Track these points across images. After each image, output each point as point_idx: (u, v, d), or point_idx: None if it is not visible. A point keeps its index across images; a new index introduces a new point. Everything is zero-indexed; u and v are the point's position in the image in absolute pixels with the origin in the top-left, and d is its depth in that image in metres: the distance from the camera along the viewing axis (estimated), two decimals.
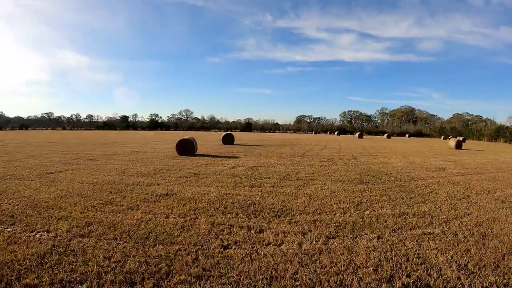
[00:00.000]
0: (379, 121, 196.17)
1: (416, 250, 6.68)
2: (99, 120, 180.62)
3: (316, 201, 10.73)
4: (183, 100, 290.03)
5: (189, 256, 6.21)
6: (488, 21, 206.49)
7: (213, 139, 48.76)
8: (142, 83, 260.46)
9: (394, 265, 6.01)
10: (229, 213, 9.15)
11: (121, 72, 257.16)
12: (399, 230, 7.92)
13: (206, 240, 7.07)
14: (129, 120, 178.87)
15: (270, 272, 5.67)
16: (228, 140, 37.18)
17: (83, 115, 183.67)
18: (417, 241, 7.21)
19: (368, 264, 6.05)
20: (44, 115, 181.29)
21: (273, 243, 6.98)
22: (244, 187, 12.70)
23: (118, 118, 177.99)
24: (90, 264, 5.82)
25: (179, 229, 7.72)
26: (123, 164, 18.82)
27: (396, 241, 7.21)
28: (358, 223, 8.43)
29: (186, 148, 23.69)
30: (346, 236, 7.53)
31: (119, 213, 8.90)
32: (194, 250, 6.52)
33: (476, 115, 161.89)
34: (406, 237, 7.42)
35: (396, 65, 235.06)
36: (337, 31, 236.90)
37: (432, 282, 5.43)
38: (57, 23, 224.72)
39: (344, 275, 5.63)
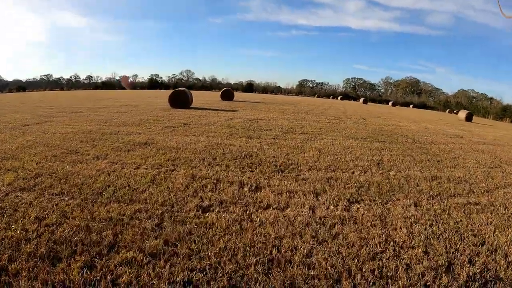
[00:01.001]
0: (382, 90, 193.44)
1: (468, 225, 4.89)
2: (99, 81, 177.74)
3: (327, 156, 8.80)
4: (184, 61, 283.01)
5: (149, 221, 4.31)
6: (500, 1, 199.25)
7: (212, 96, 46.28)
8: (144, 43, 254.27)
9: (448, 246, 4.19)
10: (217, 165, 7.23)
11: (121, 33, 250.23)
12: (438, 197, 6.12)
13: (180, 198, 5.16)
14: (129, 80, 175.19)
15: (268, 252, 3.79)
16: (227, 95, 34.75)
17: (82, 76, 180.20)
18: (464, 212, 5.42)
19: (413, 243, 4.19)
20: (43, 77, 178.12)
21: (274, 206, 5.07)
22: (240, 137, 10.74)
23: (117, 78, 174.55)
24: (13, 227, 4.02)
25: (147, 183, 5.81)
26: (108, 115, 16.78)
27: (439, 211, 5.39)
28: (384, 185, 6.56)
29: (179, 99, 21.51)
30: (374, 200, 5.65)
31: (81, 163, 7.02)
32: (159, 212, 4.62)
33: (482, 93, 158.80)
34: (450, 207, 5.62)
35: (402, 35, 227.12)
36: None
37: (502, 272, 3.68)
38: None
39: (383, 260, 3.76)
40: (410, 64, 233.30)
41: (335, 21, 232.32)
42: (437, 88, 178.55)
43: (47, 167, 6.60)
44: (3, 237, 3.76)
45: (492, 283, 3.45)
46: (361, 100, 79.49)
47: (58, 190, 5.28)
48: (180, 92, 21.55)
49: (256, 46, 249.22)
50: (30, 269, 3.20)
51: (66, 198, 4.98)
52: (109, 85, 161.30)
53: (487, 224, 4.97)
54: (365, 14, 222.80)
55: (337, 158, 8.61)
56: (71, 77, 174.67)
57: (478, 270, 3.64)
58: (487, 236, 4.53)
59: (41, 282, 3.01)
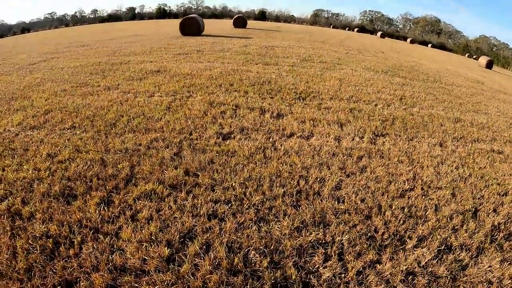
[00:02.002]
0: (400, 26, 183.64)
1: (492, 173, 4.52)
2: (105, 14, 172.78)
3: (349, 86, 8.24)
4: None
5: (167, 150, 4.02)
6: None
7: (224, 24, 44.24)
8: None
9: (474, 191, 3.89)
10: (235, 91, 6.80)
11: None
12: (462, 140, 5.72)
13: (199, 125, 4.83)
14: (136, 11, 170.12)
15: (295, 183, 3.50)
16: (240, 23, 32.97)
17: (87, 11, 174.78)
18: (488, 159, 5.02)
19: (440, 184, 3.89)
20: (47, 15, 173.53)
21: (298, 135, 4.72)
22: (256, 64, 10.15)
23: (124, 10, 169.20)
24: (24, 167, 3.74)
25: (163, 110, 5.47)
26: (118, 46, 16.07)
27: (465, 154, 5.02)
28: (408, 121, 6.12)
29: (190, 27, 20.42)
30: (398, 135, 5.27)
31: (92, 95, 6.66)
32: (178, 140, 4.32)
33: (503, 42, 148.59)
34: (474, 151, 5.24)
35: None
36: None
37: None
38: None
39: (412, 199, 3.49)
40: (434, 3, 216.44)
41: None
42: (457, 31, 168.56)
43: (57, 102, 6.27)
44: (15, 179, 3.51)
45: None
46: (379, 34, 75.22)
47: (69, 124, 4.99)
48: (191, 19, 20.42)
49: None
50: (44, 210, 2.97)
51: (78, 132, 4.70)
52: (116, 17, 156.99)
53: (510, 175, 4.57)
54: None
55: (358, 89, 8.04)
56: (75, 12, 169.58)
57: (503, 221, 3.36)
58: (510, 187, 4.16)
59: (56, 224, 2.79)
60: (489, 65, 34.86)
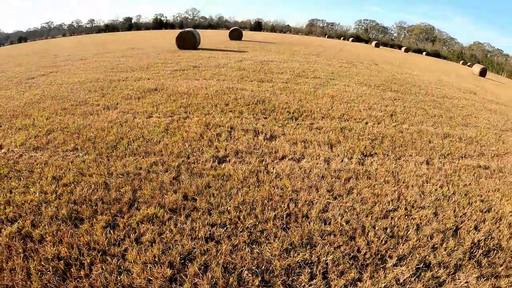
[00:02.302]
0: (395, 34, 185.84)
1: (476, 190, 4.80)
2: (102, 24, 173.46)
3: (340, 104, 8.55)
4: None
5: (167, 174, 4.29)
6: None
7: (220, 35, 44.74)
8: None
9: (457, 209, 4.16)
10: (230, 111, 7.09)
11: None
12: (449, 156, 6.00)
13: (195, 148, 5.11)
14: (132, 22, 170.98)
15: (285, 206, 3.79)
16: (235, 35, 33.49)
17: (84, 20, 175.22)
18: (474, 175, 5.30)
19: (423, 203, 4.17)
20: (44, 25, 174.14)
21: (290, 157, 5.01)
22: (251, 81, 10.46)
23: (120, 20, 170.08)
24: (31, 190, 3.98)
25: (161, 132, 5.74)
26: (115, 60, 16.36)
27: (450, 171, 5.30)
28: (397, 139, 6.42)
29: (186, 41, 20.81)
30: (387, 155, 5.56)
31: (92, 115, 6.92)
32: (176, 164, 4.59)
33: (497, 49, 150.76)
34: (460, 168, 5.51)
35: None
36: None
37: (505, 242, 3.64)
38: None
39: (395, 219, 3.76)
40: (427, 9, 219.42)
41: None
42: (452, 38, 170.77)
43: (58, 122, 6.52)
44: (23, 201, 3.74)
45: (495, 251, 3.42)
46: (373, 43, 75.97)
47: (72, 146, 5.24)
48: (188, 33, 20.80)
49: None
50: (54, 233, 3.20)
51: (80, 154, 4.94)
52: (113, 27, 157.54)
53: (495, 190, 4.86)
54: None
55: (350, 107, 8.36)
56: (72, 22, 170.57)
57: (483, 237, 3.62)
58: (493, 203, 4.45)
59: (66, 246, 3.03)
60: (482, 73, 35.45)
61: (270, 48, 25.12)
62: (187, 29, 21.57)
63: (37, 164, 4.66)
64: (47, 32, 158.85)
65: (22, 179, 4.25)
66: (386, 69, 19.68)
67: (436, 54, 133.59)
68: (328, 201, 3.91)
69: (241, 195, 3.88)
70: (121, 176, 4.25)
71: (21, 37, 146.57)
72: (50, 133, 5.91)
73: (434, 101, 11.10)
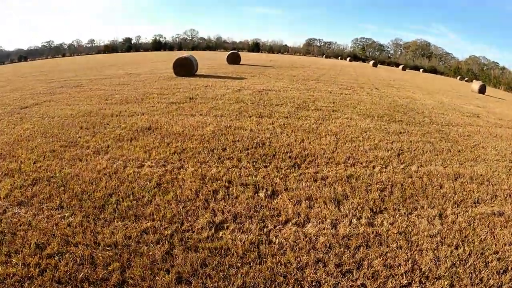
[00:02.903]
0: (392, 51, 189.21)
1: (492, 245, 4.46)
2: (101, 44, 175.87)
3: (345, 143, 8.21)
4: (188, 21, 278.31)
5: (158, 247, 3.89)
6: None
7: (218, 58, 44.80)
8: (147, 1, 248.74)
9: (473, 275, 3.80)
10: (228, 158, 6.70)
11: None
12: (462, 204, 5.60)
13: (190, 211, 4.70)
14: (132, 42, 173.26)
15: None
16: (233, 59, 33.34)
17: (84, 41, 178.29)
18: (488, 226, 4.94)
19: (439, 273, 3.79)
20: (44, 44, 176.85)
21: (294, 221, 4.58)
22: (250, 117, 10.14)
23: (120, 41, 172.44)
24: (14, 260, 3.64)
25: (152, 189, 5.34)
26: (110, 89, 16.11)
27: (465, 224, 4.91)
28: (407, 187, 6.03)
29: (184, 67, 20.63)
30: (397, 209, 5.17)
31: (81, 160, 6.54)
32: (169, 232, 4.18)
33: (493, 61, 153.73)
34: (475, 219, 5.13)
35: None
36: None
37: None
38: None
39: None
40: (421, 26, 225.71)
41: None
42: (447, 53, 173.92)
43: (45, 168, 6.14)
44: (5, 275, 3.37)
45: None
46: (371, 62, 76.76)
47: (58, 203, 4.83)
48: (185, 60, 20.62)
49: (262, 4, 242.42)
50: None
51: (66, 215, 4.53)
52: (112, 48, 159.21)
53: (510, 243, 4.52)
54: None
55: (355, 147, 8.02)
56: (72, 42, 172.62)
57: None
58: (510, 260, 4.10)
59: None
60: (481, 90, 35.56)
61: (268, 73, 25.00)
62: (184, 55, 21.41)
63: (20, 225, 4.29)
64: (48, 51, 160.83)
65: (4, 243, 3.91)
66: (388, 94, 19.50)
67: (433, 70, 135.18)
68: (336, 281, 3.49)
69: (241, 276, 3.45)
70: (108, 248, 3.83)
71: (21, 56, 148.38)
72: (36, 183, 5.53)
73: (440, 131, 10.82)
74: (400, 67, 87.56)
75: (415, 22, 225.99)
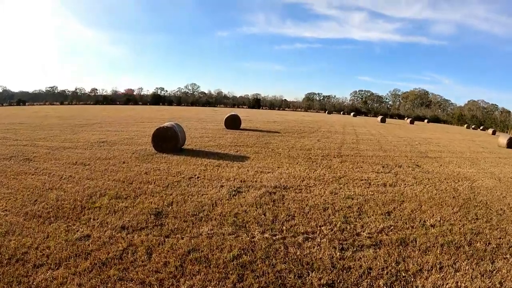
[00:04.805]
0: (390, 102, 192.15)
1: None
2: (104, 93, 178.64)
3: None
4: (190, 74, 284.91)
5: None
6: (504, 8, 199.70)
7: (215, 120, 39.71)
8: (149, 56, 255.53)
9: None
10: None
11: (127, 45, 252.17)
12: None
13: None
14: (134, 93, 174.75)
15: None
16: (232, 124, 28.39)
17: (88, 89, 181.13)
18: None
19: None
20: (48, 89, 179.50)
21: None
22: (260, 277, 4.87)
23: (123, 91, 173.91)
24: None
25: None
26: (58, 174, 11.27)
27: None
28: None
29: (166, 141, 15.49)
30: None
31: None
32: None
33: (492, 104, 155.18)
34: None
35: (406, 46, 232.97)
36: (348, 9, 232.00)
37: None
38: None
39: None
40: (415, 75, 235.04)
41: (339, 33, 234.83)
42: (446, 100, 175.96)
43: None
44: None
45: None
46: (379, 118, 73.00)
47: None
48: (167, 131, 15.41)
49: (262, 59, 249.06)
50: None
51: None
52: (111, 100, 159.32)
53: None
54: (368, 25, 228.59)
55: None
56: (76, 89, 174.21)
57: None
58: None
59: None
60: (510, 145, 30.91)
61: (276, 144, 19.96)
62: (167, 123, 16.24)
63: None
64: (51, 96, 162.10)
65: None
66: (435, 174, 14.49)
67: (436, 119, 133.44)
68: None
69: None
70: None
71: (20, 100, 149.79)
72: None
73: None
74: (408, 120, 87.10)
75: (408, 71, 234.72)
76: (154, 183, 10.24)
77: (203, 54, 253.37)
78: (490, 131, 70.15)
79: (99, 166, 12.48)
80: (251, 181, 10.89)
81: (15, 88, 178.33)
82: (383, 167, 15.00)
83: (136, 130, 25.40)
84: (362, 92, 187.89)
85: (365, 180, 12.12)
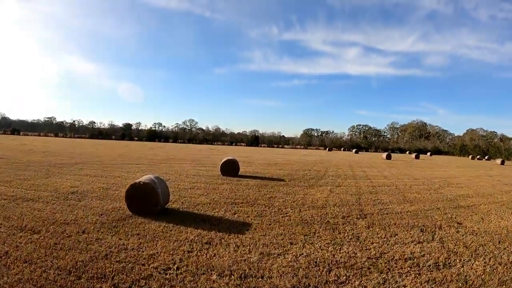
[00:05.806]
0: (388, 135, 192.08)
1: None
2: (101, 127, 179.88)
3: None
4: (188, 110, 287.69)
5: None
6: (493, 36, 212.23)
7: (210, 163, 35.95)
8: (148, 91, 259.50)
9: None
10: None
11: (127, 80, 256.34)
12: None
13: None
14: (132, 128, 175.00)
15: None
16: (230, 170, 24.75)
17: (86, 121, 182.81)
18: None
19: None
20: (47, 119, 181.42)
21: None
22: None
23: (120, 126, 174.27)
24: None
25: None
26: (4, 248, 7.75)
27: None
28: None
29: (141, 201, 11.84)
30: None
31: None
32: None
33: (491, 131, 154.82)
34: None
35: (401, 79, 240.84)
36: (343, 45, 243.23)
37: None
38: (64, 28, 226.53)
39: None
40: (411, 107, 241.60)
41: (334, 68, 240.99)
42: (444, 130, 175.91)
43: None
44: None
45: None
46: (384, 155, 70.49)
47: None
48: (144, 188, 11.81)
49: (260, 96, 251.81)
50: None
51: None
52: (106, 134, 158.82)
53: None
54: (363, 60, 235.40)
55: None
56: (74, 121, 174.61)
57: None
58: None
59: None
60: None
61: (284, 205, 16.46)
62: (146, 177, 12.69)
63: None
64: (49, 127, 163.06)
65: None
66: (490, 237, 11.01)
67: (437, 151, 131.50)
68: None
69: None
70: None
71: (14, 129, 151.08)
72: None
73: None
74: (412, 154, 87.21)
75: (404, 103, 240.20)
76: (112, 278, 6.86)
77: (201, 90, 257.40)
78: (498, 161, 68.10)
79: (50, 238, 9.10)
80: (255, 275, 7.44)
81: (14, 116, 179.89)
82: (421, 231, 11.62)
83: (118, 176, 22.05)
84: (360, 127, 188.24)
85: (410, 259, 8.74)
